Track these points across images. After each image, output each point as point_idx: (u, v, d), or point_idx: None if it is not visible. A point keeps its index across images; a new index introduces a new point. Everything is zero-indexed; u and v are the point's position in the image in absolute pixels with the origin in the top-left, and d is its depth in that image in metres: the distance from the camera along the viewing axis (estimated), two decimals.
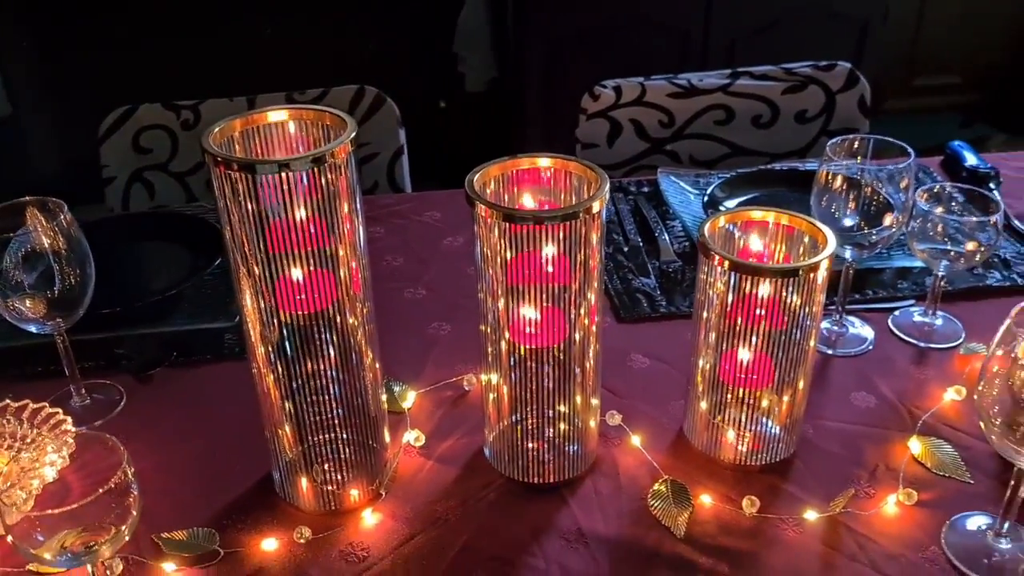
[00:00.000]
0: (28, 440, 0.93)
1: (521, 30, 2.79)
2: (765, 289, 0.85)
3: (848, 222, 1.04)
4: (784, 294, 0.85)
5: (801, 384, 0.91)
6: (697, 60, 2.76)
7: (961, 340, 1.10)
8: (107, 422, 1.02)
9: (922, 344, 1.10)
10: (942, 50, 3.33)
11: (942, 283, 1.11)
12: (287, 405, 0.88)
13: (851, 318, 1.14)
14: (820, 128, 1.76)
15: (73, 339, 1.02)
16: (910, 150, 1.02)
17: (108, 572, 0.81)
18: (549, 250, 0.81)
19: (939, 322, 1.13)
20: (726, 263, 0.85)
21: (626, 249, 1.30)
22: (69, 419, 0.94)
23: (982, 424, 0.78)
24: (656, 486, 0.91)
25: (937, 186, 1.07)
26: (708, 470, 0.93)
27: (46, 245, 0.94)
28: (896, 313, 1.15)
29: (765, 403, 0.92)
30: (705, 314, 0.90)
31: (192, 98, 1.69)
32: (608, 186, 0.82)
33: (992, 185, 1.39)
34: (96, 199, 1.69)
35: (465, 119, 3.10)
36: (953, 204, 1.07)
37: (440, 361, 1.09)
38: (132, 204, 1.68)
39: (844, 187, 1.04)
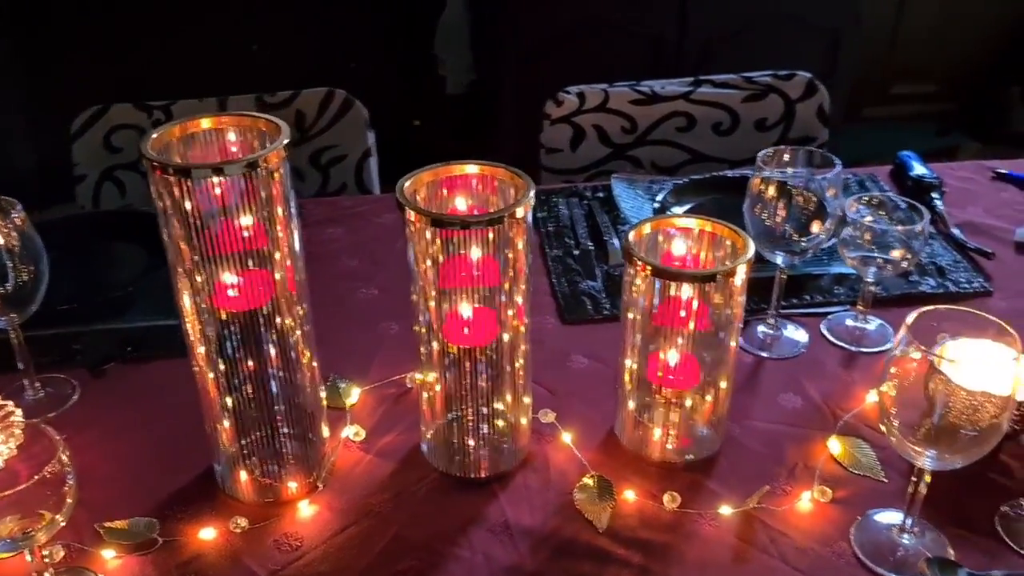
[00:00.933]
0: None
1: (498, 34, 2.83)
2: (687, 292, 0.89)
3: (779, 230, 1.08)
4: (705, 297, 0.89)
5: (724, 384, 0.95)
6: (670, 66, 2.80)
7: (890, 344, 1.14)
8: (59, 415, 1.05)
9: (852, 348, 1.14)
10: (919, 59, 3.36)
11: (873, 289, 1.15)
12: (226, 401, 0.91)
13: (788, 322, 1.18)
14: (779, 136, 1.79)
15: (31, 335, 1.05)
16: (837, 161, 1.06)
17: (47, 559, 0.84)
18: (477, 253, 0.85)
19: (871, 327, 1.16)
20: (648, 268, 0.88)
21: (576, 252, 1.34)
22: (18, 411, 0.96)
23: (882, 427, 0.81)
24: (583, 481, 0.95)
25: (867, 195, 1.11)
26: (635, 467, 0.97)
27: (0, 242, 0.97)
28: (829, 317, 1.19)
29: (689, 402, 0.95)
30: (632, 316, 0.94)
31: (164, 99, 1.72)
32: (533, 192, 0.85)
33: (935, 195, 1.43)
34: (67, 198, 1.72)
35: (443, 122, 3.14)
36: (883, 212, 1.11)
37: (386, 360, 1.13)
38: (103, 203, 1.71)
39: (775, 196, 1.07)
